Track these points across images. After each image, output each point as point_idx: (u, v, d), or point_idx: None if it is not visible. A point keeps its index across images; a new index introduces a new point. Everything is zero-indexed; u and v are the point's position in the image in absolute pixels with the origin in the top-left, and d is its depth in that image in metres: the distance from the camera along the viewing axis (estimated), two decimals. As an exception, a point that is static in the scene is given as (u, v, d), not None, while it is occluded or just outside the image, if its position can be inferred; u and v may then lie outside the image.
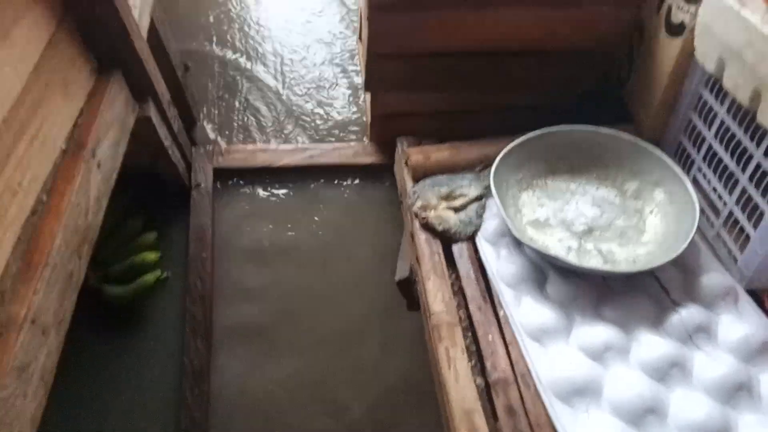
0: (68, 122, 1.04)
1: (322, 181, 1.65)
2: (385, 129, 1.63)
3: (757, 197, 0.98)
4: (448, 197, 1.20)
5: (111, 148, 1.12)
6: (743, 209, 1.03)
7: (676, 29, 1.14)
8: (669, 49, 1.17)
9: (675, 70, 1.16)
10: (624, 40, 1.38)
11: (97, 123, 1.06)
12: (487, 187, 1.17)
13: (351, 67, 1.90)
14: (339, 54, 1.93)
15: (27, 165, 0.91)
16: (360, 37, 1.70)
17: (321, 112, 1.79)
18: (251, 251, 1.52)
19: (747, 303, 1.00)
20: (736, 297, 1.01)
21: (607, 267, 1.04)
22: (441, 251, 1.13)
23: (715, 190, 1.11)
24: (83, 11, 1.04)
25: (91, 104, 1.09)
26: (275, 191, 1.62)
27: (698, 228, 1.05)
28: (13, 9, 0.89)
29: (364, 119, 1.76)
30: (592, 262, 1.05)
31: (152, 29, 1.39)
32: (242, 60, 1.89)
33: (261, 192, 1.62)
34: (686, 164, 1.18)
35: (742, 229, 1.04)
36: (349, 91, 1.85)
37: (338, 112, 1.80)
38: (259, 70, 1.87)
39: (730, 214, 1.06)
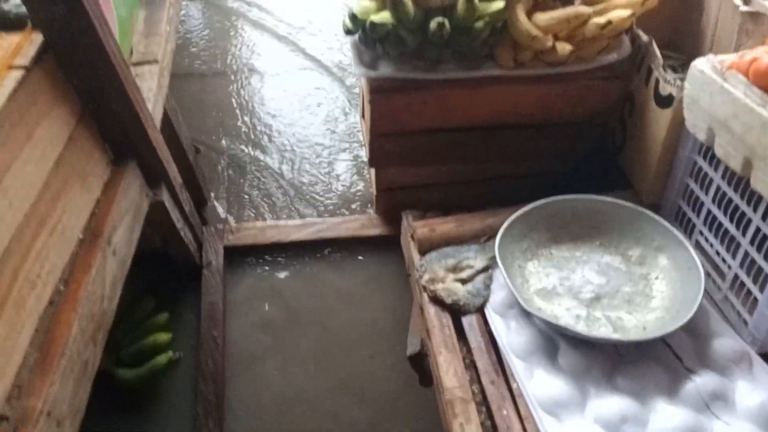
0: (85, 213, 1.08)
1: (330, 254, 1.68)
2: (391, 201, 1.67)
3: (761, 260, 1.00)
4: (455, 269, 1.22)
5: (126, 235, 1.16)
6: (748, 272, 1.04)
7: (665, 101, 1.19)
8: (660, 119, 1.22)
9: (667, 138, 1.20)
10: (616, 111, 1.44)
11: (113, 212, 1.10)
12: (493, 258, 1.19)
13: (355, 142, 1.97)
14: (343, 130, 2.00)
15: (46, 256, 0.94)
16: (362, 115, 1.77)
17: (328, 186, 1.84)
18: (262, 327, 1.52)
19: (761, 368, 1.00)
20: (750, 362, 1.01)
21: (617, 336, 1.04)
22: (451, 324, 1.13)
23: (718, 253, 1.12)
24: (101, 107, 1.10)
25: (107, 194, 1.13)
26: (285, 267, 1.65)
27: (705, 291, 1.06)
28: (37, 110, 0.95)
29: (370, 190, 1.80)
30: (602, 330, 1.05)
31: (165, 117, 1.46)
32: (250, 140, 1.97)
33: (271, 268, 1.65)
34: (687, 228, 1.20)
35: (749, 292, 1.05)
36: (355, 165, 1.90)
37: (344, 186, 1.84)
38: (266, 149, 1.94)
39: (736, 276, 1.07)
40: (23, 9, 0.97)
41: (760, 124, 0.90)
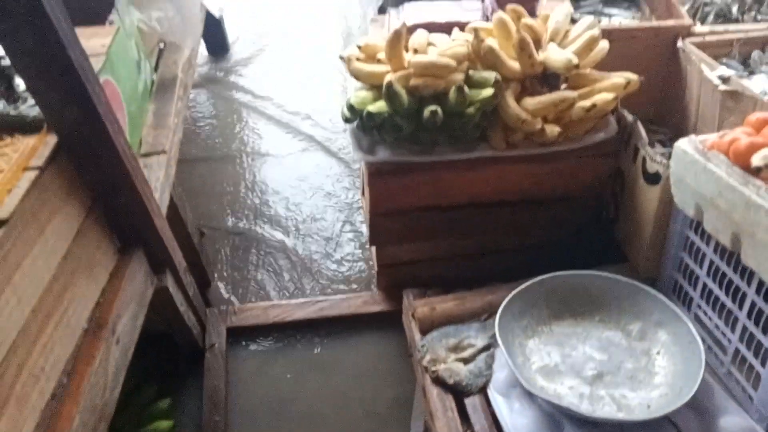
0: (91, 303, 1.10)
1: (333, 332, 1.68)
2: (392, 277, 1.69)
3: (760, 335, 1.00)
4: (456, 348, 1.22)
5: (130, 323, 1.17)
6: (748, 346, 1.04)
7: (653, 178, 1.23)
8: (649, 195, 1.26)
9: (658, 213, 1.23)
10: (607, 186, 1.48)
11: (118, 301, 1.13)
12: (494, 336, 1.19)
13: (357, 219, 2.01)
14: (345, 207, 2.05)
15: (51, 350, 0.95)
16: (363, 193, 1.82)
17: (330, 263, 1.87)
18: (265, 410, 1.50)
19: (771, 446, 0.98)
20: (759, 440, 0.99)
21: (621, 415, 1.03)
22: (454, 406, 1.12)
23: (717, 327, 1.12)
24: (110, 200, 1.15)
25: (113, 283, 1.16)
26: (287, 347, 1.65)
27: (708, 366, 1.05)
28: (49, 208, 0.99)
29: (372, 265, 1.82)
30: (606, 410, 1.04)
31: (171, 203, 1.51)
32: (254, 220, 2.01)
33: (274, 348, 1.64)
34: (685, 301, 1.21)
35: (752, 366, 1.04)
36: (356, 241, 1.93)
37: (347, 262, 1.87)
38: (270, 229, 1.98)
39: (737, 351, 1.07)
40: (40, 114, 1.03)
41: (743, 202, 0.93)
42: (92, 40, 1.23)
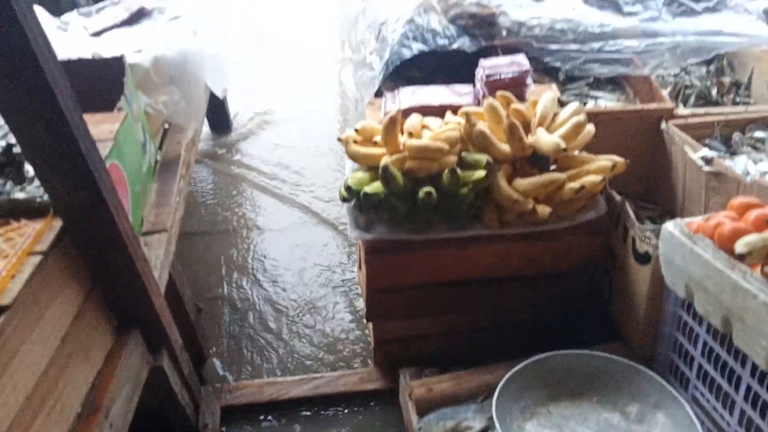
0: (85, 386, 1.09)
1: (329, 410, 1.65)
2: (389, 353, 1.68)
3: (758, 419, 1.00)
4: (453, 431, 1.20)
5: (124, 406, 1.16)
6: (747, 430, 1.03)
7: (643, 258, 1.26)
8: (640, 274, 1.28)
9: (650, 293, 1.25)
10: (599, 264, 1.50)
11: (113, 383, 1.12)
12: (491, 418, 1.18)
13: (353, 293, 2.02)
14: (342, 281, 2.06)
15: (43, 437, 0.94)
16: (360, 268, 1.84)
17: (326, 338, 1.86)
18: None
19: None
20: None
21: (623, 504, 1.00)
22: (452, 494, 1.10)
23: (715, 409, 1.12)
24: (110, 282, 1.16)
25: (108, 365, 1.15)
26: (282, 427, 1.61)
27: (709, 451, 1.04)
28: (50, 292, 1.01)
29: (369, 341, 1.81)
30: (608, 498, 1.02)
31: (169, 279, 1.52)
32: (251, 294, 2.02)
33: (269, 428, 1.61)
34: (682, 382, 1.21)
35: (753, 451, 1.03)
36: (353, 316, 1.93)
37: (344, 337, 1.86)
38: (267, 303, 1.99)
39: (737, 435, 1.06)
40: (46, 197, 1.07)
41: (731, 286, 0.95)
42: (101, 126, 1.28)
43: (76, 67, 1.52)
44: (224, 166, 2.55)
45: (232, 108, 2.75)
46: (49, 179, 1.01)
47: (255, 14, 3.35)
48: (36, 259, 0.97)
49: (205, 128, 2.67)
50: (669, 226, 1.12)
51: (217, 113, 2.57)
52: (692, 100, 1.90)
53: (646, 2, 2.00)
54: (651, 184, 1.76)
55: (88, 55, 1.77)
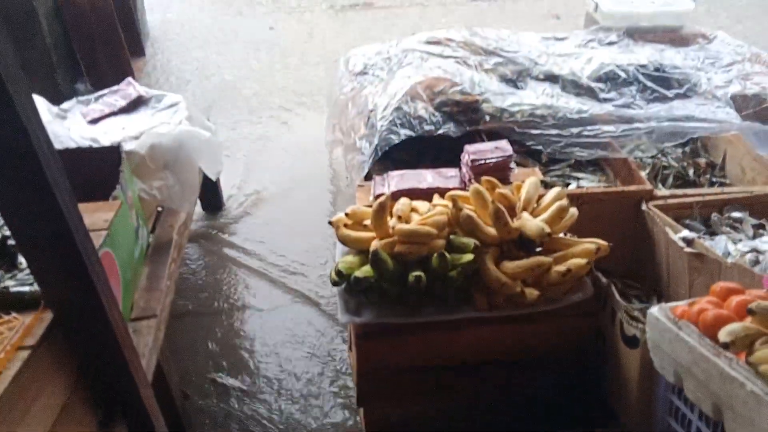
0: (67, 486, 1.05)
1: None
2: (381, 440, 1.64)
3: None
4: None
5: (105, 505, 1.12)
6: None
7: (632, 342, 1.27)
8: (630, 357, 1.29)
9: (641, 377, 1.25)
10: (590, 346, 1.50)
11: (94, 482, 1.08)
12: None
13: (343, 376, 1.98)
14: (332, 363, 2.03)
15: None
16: (350, 348, 1.82)
17: (316, 423, 1.81)
18: None
19: None
20: None
21: None
22: None
23: (714, 499, 1.09)
24: (98, 374, 1.15)
25: (91, 461, 1.12)
26: None
27: None
28: (38, 386, 0.99)
29: (361, 427, 1.77)
30: None
31: (157, 366, 1.50)
32: (239, 377, 1.98)
33: None
34: (679, 469, 1.19)
35: None
36: (344, 399, 1.89)
37: (334, 422, 1.81)
38: (256, 386, 1.94)
39: None
40: (37, 290, 1.07)
41: (718, 373, 0.96)
42: (96, 215, 1.31)
43: (74, 156, 1.57)
44: (215, 246, 2.56)
45: (225, 188, 2.80)
46: (42, 271, 1.02)
47: (246, 89, 3.48)
48: (25, 354, 0.97)
49: (199, 209, 2.70)
50: (654, 311, 1.14)
51: (210, 194, 2.62)
52: (670, 180, 1.97)
53: (620, 89, 2.12)
54: (636, 263, 1.79)
55: (85, 142, 1.83)
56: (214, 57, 3.75)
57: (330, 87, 2.68)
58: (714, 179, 1.97)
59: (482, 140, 1.97)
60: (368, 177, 1.92)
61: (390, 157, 2.00)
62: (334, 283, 1.45)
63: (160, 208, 1.86)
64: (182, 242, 1.82)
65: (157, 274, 1.60)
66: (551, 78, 2.20)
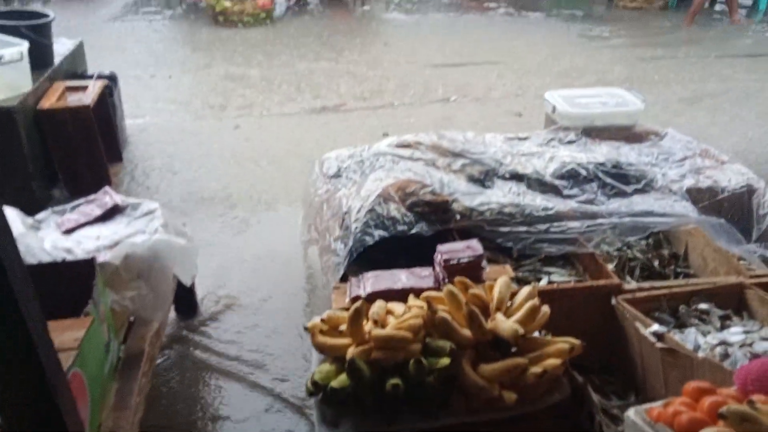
0: None
1: None
2: None
3: None
4: None
5: None
6: None
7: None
8: (613, 461, 1.27)
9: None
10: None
11: None
12: None
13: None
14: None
15: None
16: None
17: None
18: None
19: None
20: None
21: None
22: None
23: None
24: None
25: None
26: None
27: None
28: None
29: None
30: None
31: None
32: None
33: None
34: None
35: None
36: None
37: None
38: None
39: None
40: None
41: (698, 479, 0.96)
42: (66, 334, 1.29)
43: (47, 271, 1.56)
44: (190, 351, 2.49)
45: (199, 289, 2.78)
46: (4, 396, 0.99)
47: (221, 191, 3.54)
48: (-19, 491, 0.91)
49: (172, 313, 2.66)
50: (631, 414, 1.14)
51: (184, 297, 2.58)
52: (637, 271, 2.03)
53: (582, 186, 2.23)
54: (611, 356, 1.80)
55: (59, 253, 1.83)
56: (191, 160, 3.83)
57: (305, 188, 2.75)
58: (678, 270, 2.03)
59: (454, 239, 2.03)
60: (344, 278, 1.94)
61: (365, 258, 2.03)
62: (310, 394, 1.43)
63: (132, 318, 1.84)
64: (154, 353, 1.78)
65: (127, 390, 1.55)
66: (517, 177, 2.31)
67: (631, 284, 1.86)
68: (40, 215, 2.10)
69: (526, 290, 1.55)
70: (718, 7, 7.99)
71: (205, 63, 5.65)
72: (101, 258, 1.69)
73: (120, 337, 1.72)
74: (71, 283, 1.52)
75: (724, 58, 5.78)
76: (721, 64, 5.61)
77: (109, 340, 1.53)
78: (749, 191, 2.19)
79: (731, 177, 2.25)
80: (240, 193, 3.48)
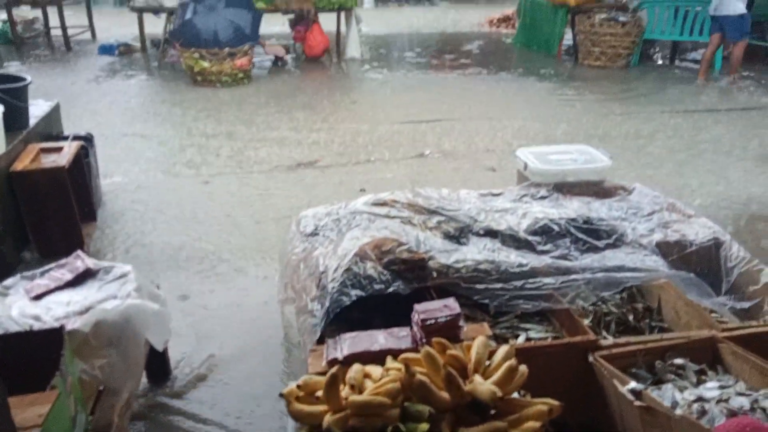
0: None
1: None
2: None
3: None
4: None
5: None
6: None
7: None
8: None
9: None
10: None
11: None
12: None
13: None
14: None
15: None
16: None
17: None
18: None
19: None
20: None
21: None
22: None
23: None
24: None
25: None
26: None
27: None
28: None
29: None
30: None
31: None
32: None
33: None
34: None
35: None
36: None
37: None
38: None
39: None
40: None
41: None
42: (29, 410, 1.23)
43: (13, 341, 1.52)
44: (163, 419, 2.40)
45: (173, 353, 2.70)
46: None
47: (197, 251, 3.50)
48: None
49: (144, 379, 2.57)
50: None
51: (156, 363, 2.51)
52: (613, 326, 2.05)
53: (556, 242, 2.26)
54: (591, 411, 1.79)
55: (27, 321, 1.78)
56: (166, 219, 3.80)
57: (282, 246, 2.74)
58: (653, 324, 2.06)
59: (431, 297, 2.03)
60: (321, 339, 1.91)
61: (343, 317, 2.01)
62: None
63: (101, 387, 1.78)
64: (124, 424, 1.72)
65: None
66: (491, 233, 2.34)
67: (608, 340, 1.87)
68: (8, 281, 2.05)
69: (503, 350, 1.55)
70: (683, 63, 8.42)
71: (181, 122, 5.71)
72: (70, 325, 1.65)
73: (88, 408, 1.65)
74: (38, 352, 1.47)
75: (688, 112, 6.06)
76: (682, 118, 5.86)
77: (76, 413, 1.47)
78: (716, 244, 2.25)
79: (698, 230, 2.31)
80: (216, 252, 3.44)
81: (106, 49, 8.42)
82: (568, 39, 8.92)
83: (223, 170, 4.59)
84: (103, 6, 13.69)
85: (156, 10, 7.91)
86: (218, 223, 3.77)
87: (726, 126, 5.63)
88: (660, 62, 8.72)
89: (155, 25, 8.53)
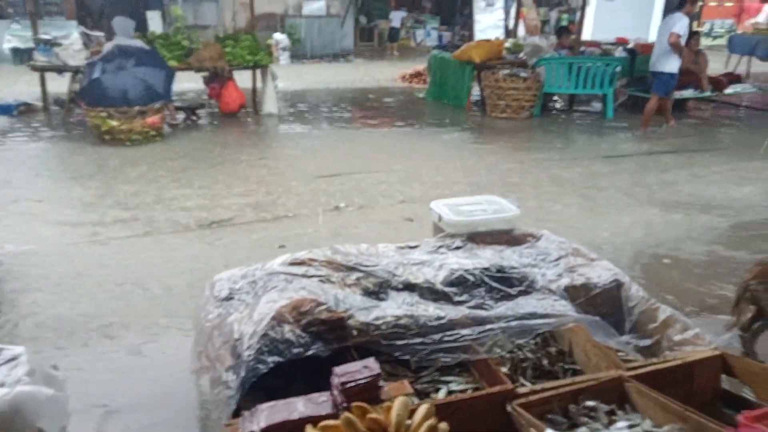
0: None
1: None
2: None
3: None
4: None
5: None
6: None
7: None
8: None
9: None
10: None
11: None
12: None
13: None
14: None
15: None
16: None
17: None
18: None
19: None
20: None
21: None
22: None
23: None
24: None
25: None
26: None
27: None
28: None
29: None
30: None
31: None
32: None
33: None
34: None
35: None
36: None
37: None
38: None
39: None
40: None
41: None
42: None
43: None
44: None
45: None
46: None
47: (105, 321, 3.27)
48: None
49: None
50: None
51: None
52: (529, 372, 2.10)
53: (471, 292, 2.32)
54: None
55: None
56: (67, 288, 3.54)
57: (195, 312, 2.62)
58: (566, 366, 2.13)
59: (352, 357, 2.00)
60: (237, 411, 1.82)
61: (261, 386, 1.93)
62: None
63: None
64: None
65: None
66: (410, 287, 2.36)
67: (525, 387, 1.91)
68: None
69: (423, 409, 1.54)
70: (579, 113, 9.11)
71: (86, 185, 5.42)
72: (-52, 421, 1.48)
73: None
74: None
75: (592, 159, 6.52)
76: (586, 164, 6.29)
77: None
78: (617, 286, 2.39)
79: (601, 273, 2.45)
80: (123, 322, 3.24)
81: (3, 110, 7.96)
82: (476, 93, 9.45)
83: (129, 233, 4.36)
84: (1, 64, 13.06)
85: (60, 69, 7.62)
86: (124, 290, 3.55)
87: (626, 170, 6.10)
88: (559, 113, 9.40)
89: (60, 84, 8.20)
